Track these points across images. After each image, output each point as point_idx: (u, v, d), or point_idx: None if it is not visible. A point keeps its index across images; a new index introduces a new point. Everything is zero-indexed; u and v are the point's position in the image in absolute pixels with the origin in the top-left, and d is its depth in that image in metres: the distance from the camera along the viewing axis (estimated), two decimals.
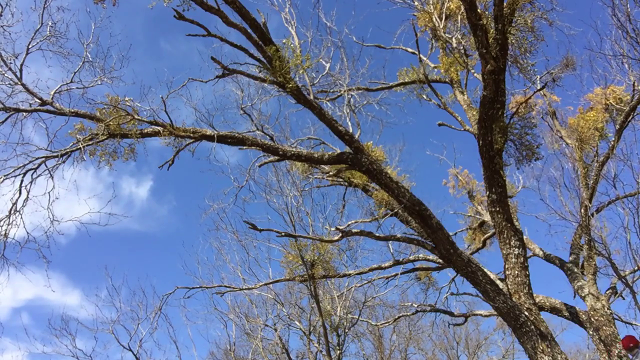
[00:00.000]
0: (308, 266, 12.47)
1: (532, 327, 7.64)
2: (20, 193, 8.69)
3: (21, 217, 8.76)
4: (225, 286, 13.55)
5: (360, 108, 11.10)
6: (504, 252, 8.43)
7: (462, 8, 8.88)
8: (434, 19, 12.07)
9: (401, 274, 12.42)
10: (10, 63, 8.52)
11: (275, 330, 17.03)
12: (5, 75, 8.48)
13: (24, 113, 8.63)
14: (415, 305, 14.10)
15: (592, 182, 11.03)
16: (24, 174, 8.63)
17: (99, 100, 8.71)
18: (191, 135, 8.60)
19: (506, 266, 8.41)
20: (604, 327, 10.11)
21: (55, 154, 8.58)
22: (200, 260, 21.30)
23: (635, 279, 10.96)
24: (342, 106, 10.09)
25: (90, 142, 8.50)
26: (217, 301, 18.80)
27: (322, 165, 11.44)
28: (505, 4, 7.28)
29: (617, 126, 10.52)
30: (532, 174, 12.56)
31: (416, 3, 12.79)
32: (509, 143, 11.31)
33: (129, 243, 44.08)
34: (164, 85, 8.68)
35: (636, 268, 10.50)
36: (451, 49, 12.24)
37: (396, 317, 16.01)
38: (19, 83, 8.49)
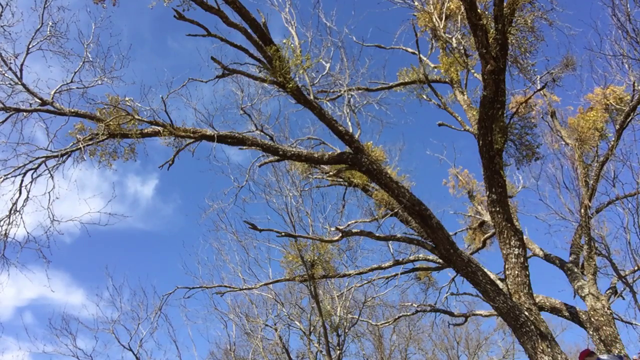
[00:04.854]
0: (308, 266, 12.46)
1: (532, 327, 7.64)
2: (20, 193, 8.70)
3: (21, 217, 8.77)
4: (225, 286, 13.56)
5: (360, 108, 11.10)
6: (504, 252, 8.43)
7: (462, 8, 8.88)
8: (434, 19, 12.07)
9: (401, 274, 12.42)
10: (11, 63, 8.53)
11: (276, 330, 17.04)
12: (6, 75, 8.49)
13: (24, 113, 8.64)
14: (415, 305, 14.10)
15: (592, 182, 11.03)
16: (24, 173, 8.64)
17: (99, 100, 8.74)
18: (191, 135, 8.61)
19: (506, 266, 8.40)
20: (604, 327, 10.11)
21: (55, 154, 8.58)
22: (201, 260, 21.35)
23: (635, 279, 10.98)
24: (342, 106, 10.10)
25: (90, 142, 8.50)
26: (217, 301, 18.84)
27: (322, 165, 11.44)
28: (505, 4, 7.28)
29: (617, 126, 10.52)
30: (532, 175, 12.59)
31: (416, 3, 12.79)
32: (509, 143, 11.31)
33: (133, 242, 44.15)
34: (165, 85, 8.68)
35: (636, 268, 10.52)
36: (451, 49, 12.24)
37: (396, 317, 16.01)
38: (19, 83, 8.49)
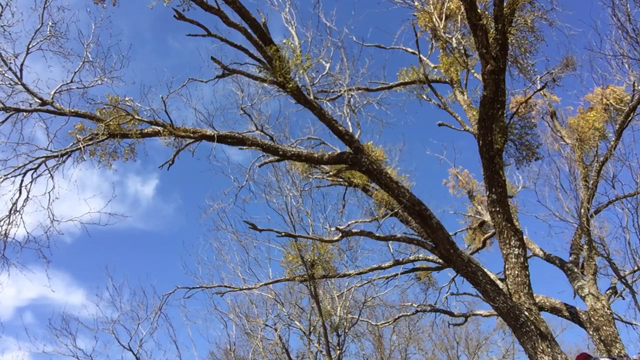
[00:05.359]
0: (308, 266, 12.46)
1: (532, 327, 7.64)
2: (20, 193, 8.70)
3: (21, 217, 8.77)
4: (225, 286, 13.55)
5: (360, 108, 11.10)
6: (504, 252, 8.43)
7: (462, 8, 8.88)
8: (434, 19, 12.07)
9: (401, 274, 12.43)
10: (11, 63, 8.53)
11: (275, 330, 17.02)
12: (6, 75, 8.49)
13: (24, 113, 8.64)
14: (415, 305, 14.10)
15: (591, 182, 11.03)
16: (24, 173, 8.64)
17: (99, 100, 8.74)
18: (191, 135, 8.61)
19: (506, 266, 8.41)
20: (604, 327, 10.12)
21: (55, 154, 8.58)
22: (201, 260, 21.26)
23: (635, 279, 10.98)
24: (342, 106, 10.10)
25: (90, 142, 8.50)
26: (217, 301, 18.81)
27: (322, 165, 11.44)
28: (505, 4, 7.28)
29: (617, 126, 10.52)
30: (531, 176, 12.60)
31: (416, 3, 12.79)
32: (509, 143, 11.31)
33: (134, 242, 44.11)
34: (165, 85, 8.68)
35: (636, 268, 10.51)
36: (451, 49, 12.24)
37: (396, 317, 16.02)
38: (19, 83, 8.49)
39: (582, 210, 10.82)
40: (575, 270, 11.55)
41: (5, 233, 8.64)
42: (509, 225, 8.39)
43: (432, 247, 9.07)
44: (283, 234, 11.09)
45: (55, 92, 8.78)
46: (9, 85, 8.49)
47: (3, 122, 8.53)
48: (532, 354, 7.55)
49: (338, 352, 14.73)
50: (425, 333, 26.10)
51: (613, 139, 10.61)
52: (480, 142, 8.09)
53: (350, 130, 8.76)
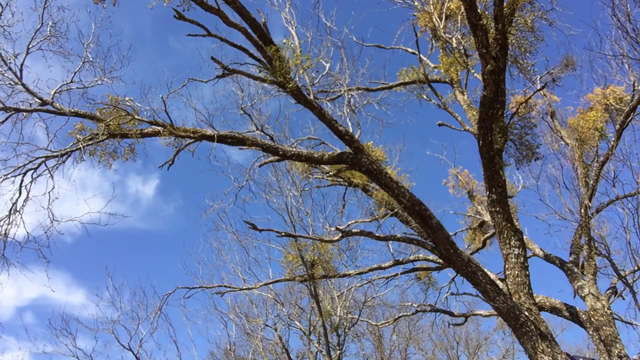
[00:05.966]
0: (308, 266, 12.47)
1: (532, 327, 7.64)
2: (20, 193, 8.69)
3: (21, 217, 8.77)
4: (225, 286, 13.57)
5: (360, 108, 11.10)
6: (504, 252, 8.43)
7: (462, 8, 8.88)
8: (434, 19, 12.07)
9: (401, 274, 12.44)
10: (11, 63, 8.53)
11: (275, 330, 17.04)
12: (6, 75, 8.49)
13: (24, 113, 8.64)
14: (415, 305, 14.10)
15: (592, 182, 11.03)
16: (24, 173, 8.64)
17: (99, 100, 8.73)
18: (191, 135, 8.60)
19: (506, 266, 8.41)
20: (604, 327, 10.11)
21: (55, 154, 8.58)
22: (201, 260, 21.32)
23: (635, 279, 10.98)
24: (342, 106, 10.10)
25: (90, 142, 8.50)
26: (217, 301, 18.85)
27: (322, 165, 11.44)
28: (505, 4, 7.28)
29: (617, 126, 10.52)
30: (532, 175, 12.60)
31: (416, 3, 12.79)
32: (509, 143, 11.32)
33: (134, 242, 44.11)
34: (165, 85, 8.68)
35: (636, 268, 10.52)
36: (451, 49, 12.24)
37: (396, 317, 16.02)
38: (19, 83, 8.49)
39: (583, 210, 10.82)
40: (575, 270, 11.55)
41: (5, 233, 8.64)
42: (509, 225, 8.39)
43: (432, 247, 9.07)
44: (283, 234, 11.10)
45: (55, 92, 8.77)
46: (9, 85, 8.49)
47: (3, 122, 8.53)
48: (532, 354, 7.55)
49: (338, 352, 14.73)
50: (425, 333, 26.15)
51: (613, 139, 10.61)
52: (480, 142, 8.09)
53: (350, 130, 8.76)
